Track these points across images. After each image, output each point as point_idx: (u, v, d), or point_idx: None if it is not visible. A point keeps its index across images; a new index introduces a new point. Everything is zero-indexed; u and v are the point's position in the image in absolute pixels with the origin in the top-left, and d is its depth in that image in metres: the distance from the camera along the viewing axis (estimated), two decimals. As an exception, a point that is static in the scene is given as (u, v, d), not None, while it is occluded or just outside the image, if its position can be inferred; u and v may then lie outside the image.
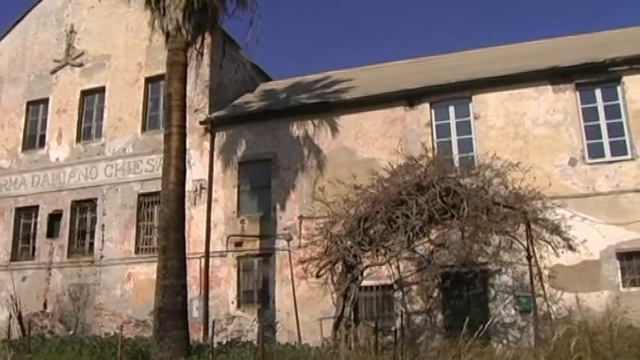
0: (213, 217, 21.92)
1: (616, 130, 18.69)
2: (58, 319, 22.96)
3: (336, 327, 14.16)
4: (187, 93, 17.79)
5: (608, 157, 18.55)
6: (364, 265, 14.46)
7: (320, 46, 71.18)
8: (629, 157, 18.26)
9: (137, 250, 22.90)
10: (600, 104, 19.03)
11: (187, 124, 17.59)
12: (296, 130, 21.80)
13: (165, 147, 16.74)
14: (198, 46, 18.51)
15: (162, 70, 19.52)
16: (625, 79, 18.70)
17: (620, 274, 17.50)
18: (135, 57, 24.85)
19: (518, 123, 19.38)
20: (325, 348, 14.50)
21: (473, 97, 20.03)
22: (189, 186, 19.60)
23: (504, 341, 16.99)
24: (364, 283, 15.24)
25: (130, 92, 24.60)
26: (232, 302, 21.13)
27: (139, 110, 24.27)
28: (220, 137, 22.70)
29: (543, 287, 15.82)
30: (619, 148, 18.51)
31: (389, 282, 18.08)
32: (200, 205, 22.09)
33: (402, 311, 18.40)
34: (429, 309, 18.63)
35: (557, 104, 19.15)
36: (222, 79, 24.29)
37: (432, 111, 20.43)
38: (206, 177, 22.27)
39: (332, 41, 71.20)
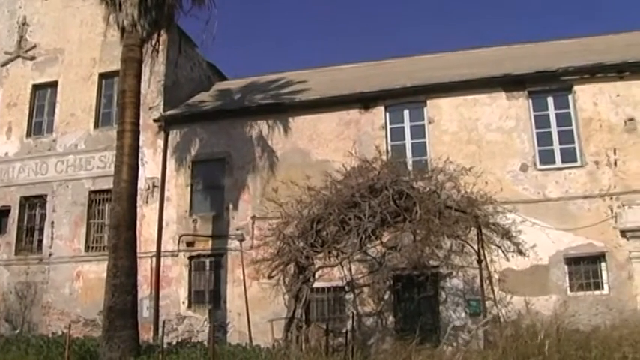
0: (166, 216, 21.71)
1: (566, 137, 19.10)
2: (4, 317, 22.38)
3: (287, 328, 14.13)
4: (142, 90, 17.63)
5: (558, 163, 18.93)
6: (316, 266, 14.45)
7: (276, 46, 71.07)
8: (578, 164, 18.65)
9: (87, 248, 22.51)
10: (552, 112, 19.41)
11: (141, 122, 17.41)
12: (250, 130, 21.72)
13: (118, 144, 16.54)
14: (153, 43, 18.35)
15: (116, 66, 19.21)
16: (576, 87, 19.10)
17: (567, 279, 17.87)
18: (89, 52, 24.43)
19: (471, 128, 19.62)
20: (276, 349, 14.47)
21: (427, 102, 20.22)
22: (141, 184, 19.36)
23: (454, 344, 17.13)
24: (316, 284, 15.27)
25: (83, 87, 24.18)
26: (183, 302, 20.95)
27: (92, 106, 23.86)
28: (174, 136, 22.51)
29: (493, 291, 16.05)
30: (569, 156, 18.91)
31: (341, 284, 18.19)
32: (152, 203, 21.86)
33: (353, 313, 18.47)
34: (380, 311, 18.73)
35: (510, 111, 19.45)
36: (178, 77, 24.07)
37: (387, 114, 20.58)
38: (159, 175, 22.04)
39: (289, 42, 71.14)
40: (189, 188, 21.90)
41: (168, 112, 22.68)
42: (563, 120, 19.25)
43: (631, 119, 18.50)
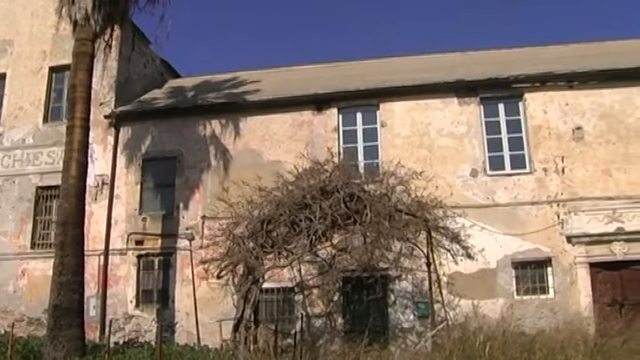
0: (115, 214, 21.38)
1: (516, 144, 19.42)
2: (-56, 316, 21.87)
3: (235, 329, 14.08)
4: (93, 85, 17.28)
5: (507, 169, 19.24)
6: (266, 267, 14.43)
7: (230, 45, 70.71)
8: (527, 170, 18.99)
9: (33, 246, 21.99)
10: (502, 118, 19.72)
11: (92, 118, 17.09)
12: (203, 129, 21.57)
13: (68, 140, 16.22)
14: (106, 38, 18.04)
15: (68, 59, 18.81)
16: (527, 95, 19.44)
17: (515, 283, 18.17)
18: (40, 45, 23.93)
19: (423, 133, 19.79)
20: (224, 350, 14.42)
21: (380, 105, 20.35)
22: (90, 181, 19.05)
23: (402, 346, 17.27)
24: (265, 285, 15.24)
25: (32, 81, 23.65)
26: (131, 301, 20.67)
27: (42, 100, 23.35)
28: (125, 132, 22.18)
29: (442, 294, 16.22)
30: (518, 162, 19.24)
31: (290, 285, 18.23)
32: (101, 200, 21.51)
33: (302, 314, 18.49)
34: (329, 312, 18.77)
35: (461, 116, 19.69)
36: (130, 73, 23.76)
37: (340, 116, 20.66)
38: (109, 172, 21.68)
39: (244, 41, 70.88)
40: (139, 186, 21.61)
41: (120, 109, 22.36)
42: (514, 127, 19.57)
43: (579, 128, 18.89)
